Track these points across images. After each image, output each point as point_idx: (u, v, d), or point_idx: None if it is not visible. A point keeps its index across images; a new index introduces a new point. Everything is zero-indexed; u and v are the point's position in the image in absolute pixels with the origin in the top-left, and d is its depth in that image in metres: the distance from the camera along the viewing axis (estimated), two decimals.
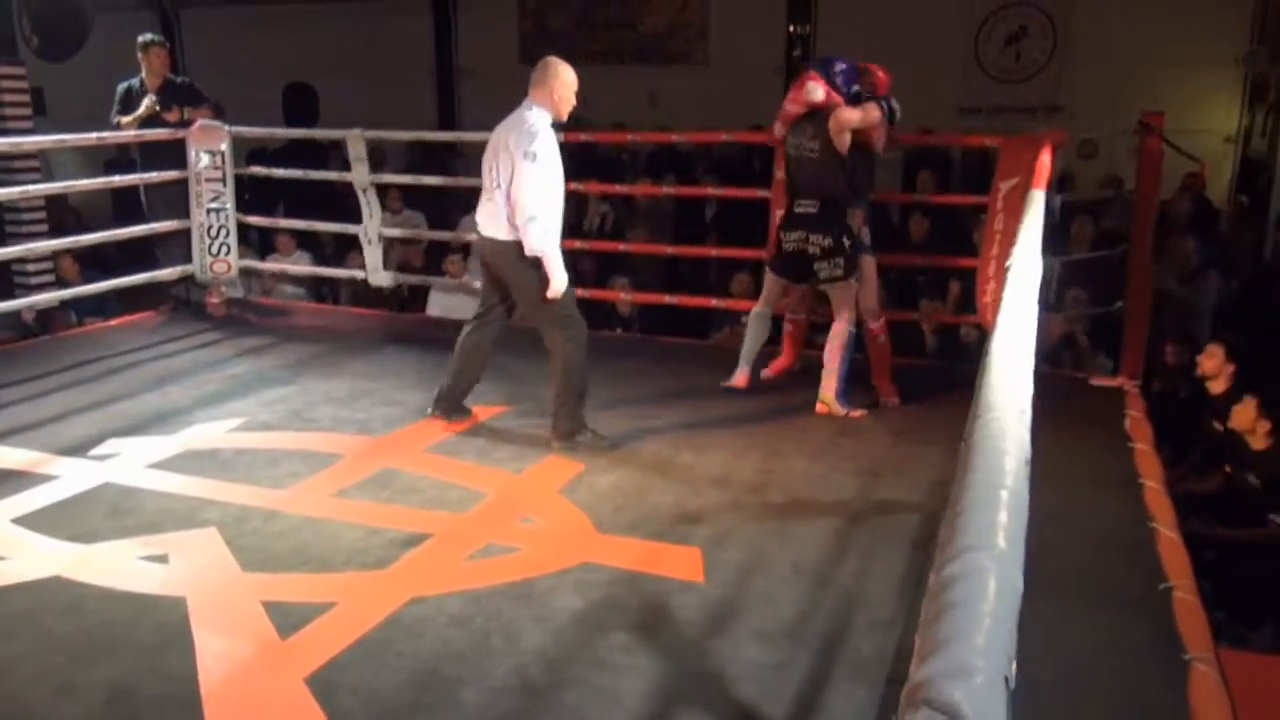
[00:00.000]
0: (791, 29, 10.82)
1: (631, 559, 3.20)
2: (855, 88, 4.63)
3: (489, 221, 4.09)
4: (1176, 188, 7.65)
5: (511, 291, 4.23)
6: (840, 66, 4.62)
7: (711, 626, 2.81)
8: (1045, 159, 3.99)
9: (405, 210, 7.91)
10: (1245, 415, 4.50)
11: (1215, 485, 4.61)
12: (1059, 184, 6.55)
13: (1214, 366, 4.85)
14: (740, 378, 4.93)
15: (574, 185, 7.11)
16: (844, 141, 4.50)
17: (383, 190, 7.64)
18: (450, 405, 4.47)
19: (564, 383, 4.12)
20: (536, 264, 3.98)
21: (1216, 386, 4.88)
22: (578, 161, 8.74)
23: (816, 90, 4.56)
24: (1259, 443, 4.48)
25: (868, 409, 4.69)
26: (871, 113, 4.51)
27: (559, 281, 3.99)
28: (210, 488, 3.70)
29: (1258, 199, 8.78)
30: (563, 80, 4.08)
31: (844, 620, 2.85)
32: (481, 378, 4.52)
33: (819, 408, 4.65)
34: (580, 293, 6.52)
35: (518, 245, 3.98)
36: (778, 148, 5.04)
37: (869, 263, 4.76)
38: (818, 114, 4.57)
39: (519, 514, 3.60)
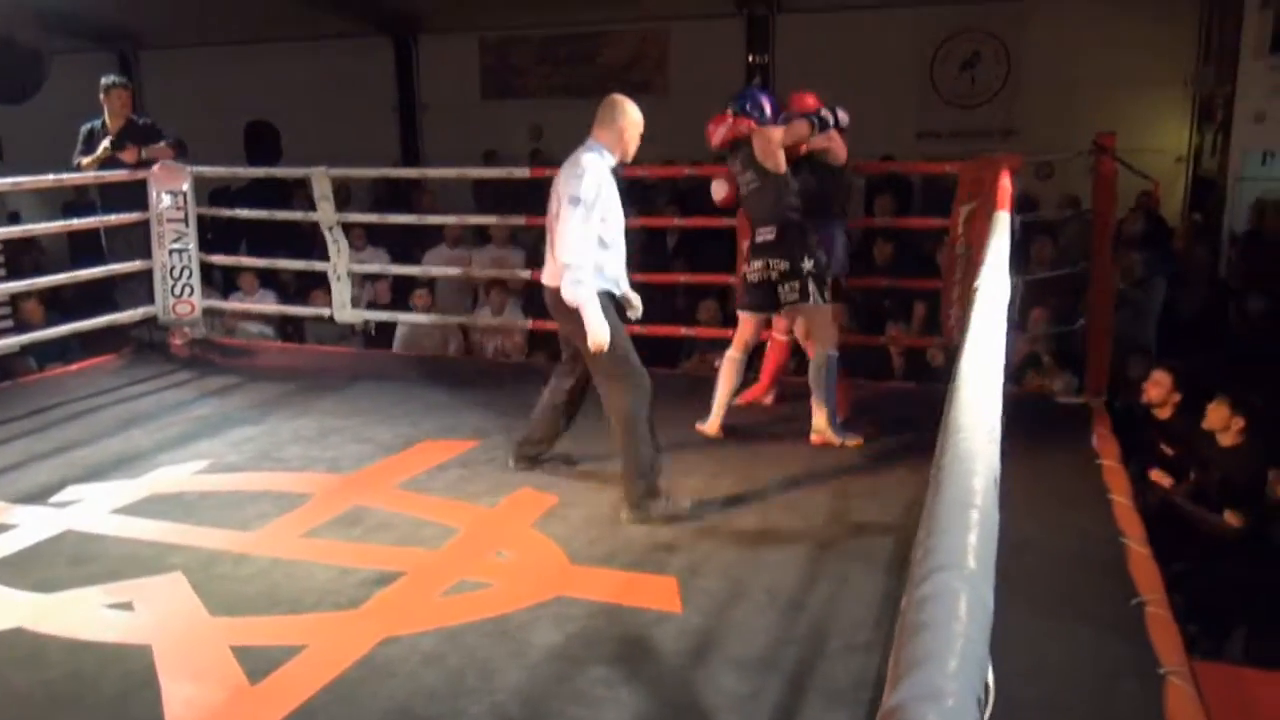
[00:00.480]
0: (750, 58, 10.94)
1: (607, 591, 3.18)
2: (784, 113, 4.68)
3: (546, 268, 3.89)
4: (1131, 206, 7.81)
5: (570, 341, 3.99)
6: (748, 96, 4.73)
7: (690, 657, 2.79)
8: (1005, 182, 4.06)
9: (368, 247, 7.88)
10: (1219, 414, 4.57)
11: (1185, 489, 4.67)
12: (1020, 205, 6.65)
13: (1160, 395, 4.94)
14: (713, 425, 4.73)
15: (537, 219, 7.24)
16: (777, 161, 4.48)
17: (346, 227, 7.63)
18: (521, 459, 4.27)
19: (625, 441, 3.78)
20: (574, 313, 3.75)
21: (1163, 413, 4.96)
22: (542, 196, 8.80)
23: (716, 133, 4.69)
24: (1229, 439, 4.56)
25: (864, 437, 4.61)
26: (797, 128, 4.52)
27: (596, 333, 3.68)
28: (176, 532, 3.64)
29: (1210, 217, 8.97)
30: (630, 120, 3.84)
31: (820, 646, 2.84)
32: (558, 436, 4.28)
33: (814, 439, 4.58)
34: (546, 324, 6.58)
35: (558, 292, 3.76)
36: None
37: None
38: (743, 145, 4.57)
39: (492, 549, 3.57)
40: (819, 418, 4.58)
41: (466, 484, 4.14)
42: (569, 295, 3.69)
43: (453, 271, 7.36)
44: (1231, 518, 4.37)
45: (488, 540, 3.64)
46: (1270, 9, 7.82)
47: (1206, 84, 9.33)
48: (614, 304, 3.88)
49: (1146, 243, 7.12)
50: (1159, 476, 4.70)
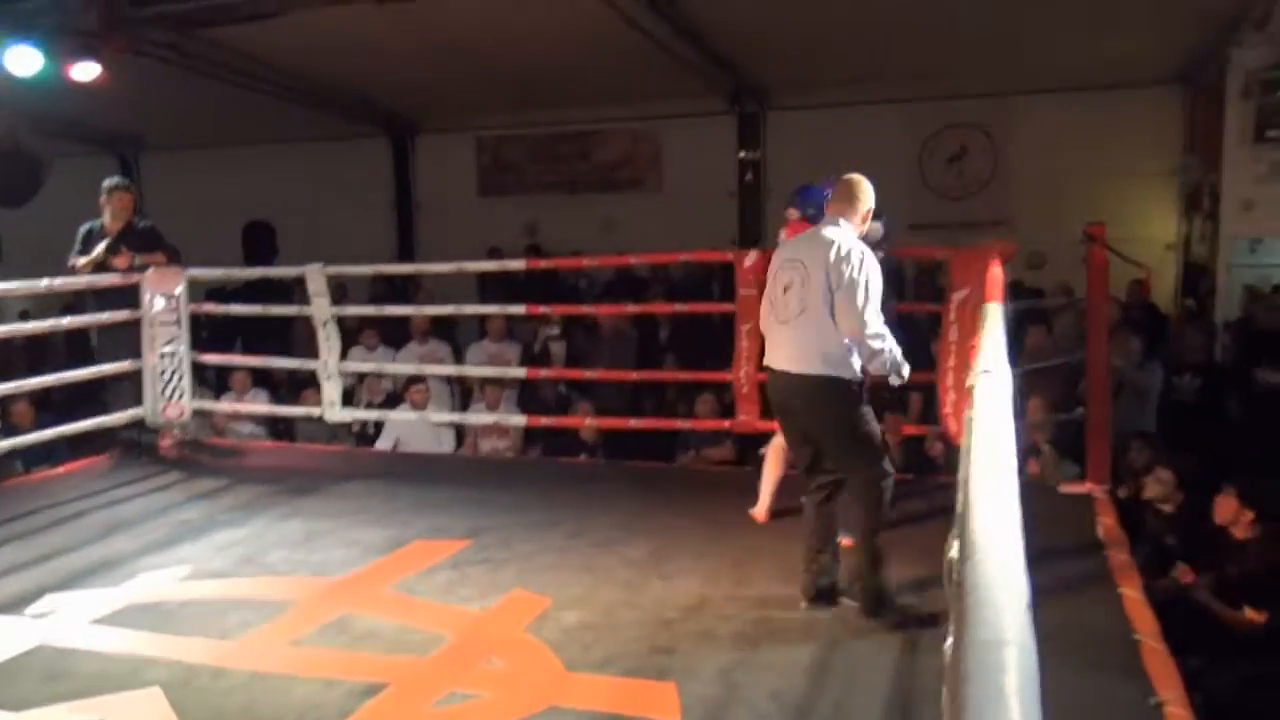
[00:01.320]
0: (742, 154, 11.11)
1: (604, 699, 3.04)
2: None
3: (788, 354, 3.63)
4: (1123, 293, 7.83)
5: (817, 433, 3.69)
6: (811, 196, 4.29)
7: None
8: (996, 270, 4.04)
9: (380, 347, 7.85)
10: (1227, 507, 4.48)
11: (1211, 583, 4.54)
12: (1018, 293, 6.67)
13: (1163, 492, 4.87)
14: (762, 509, 4.66)
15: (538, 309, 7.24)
16: None
17: (356, 328, 7.63)
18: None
19: (868, 540, 3.60)
20: (848, 398, 3.55)
21: (1167, 509, 4.88)
22: (536, 288, 8.83)
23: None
24: (1241, 533, 4.45)
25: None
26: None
27: (904, 367, 3.57)
28: (154, 643, 3.50)
29: (1202, 303, 9.00)
30: (872, 206, 3.71)
31: None
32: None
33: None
34: (543, 420, 6.53)
35: (820, 381, 3.55)
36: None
37: None
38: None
39: (483, 656, 3.44)
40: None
41: (458, 587, 4.02)
42: (881, 362, 3.52)
43: (450, 369, 7.34)
44: (1253, 614, 4.23)
45: (479, 647, 3.50)
46: (1252, 99, 7.97)
47: (1192, 173, 9.45)
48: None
49: (1141, 329, 7.13)
50: (1183, 573, 4.55)
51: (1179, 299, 9.46)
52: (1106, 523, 4.55)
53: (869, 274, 3.49)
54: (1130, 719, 2.89)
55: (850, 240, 3.56)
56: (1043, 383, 5.80)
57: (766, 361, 3.77)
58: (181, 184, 12.39)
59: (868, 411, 3.63)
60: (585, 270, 10.08)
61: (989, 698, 0.92)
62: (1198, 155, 9.42)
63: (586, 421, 6.52)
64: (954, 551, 1.76)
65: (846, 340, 3.53)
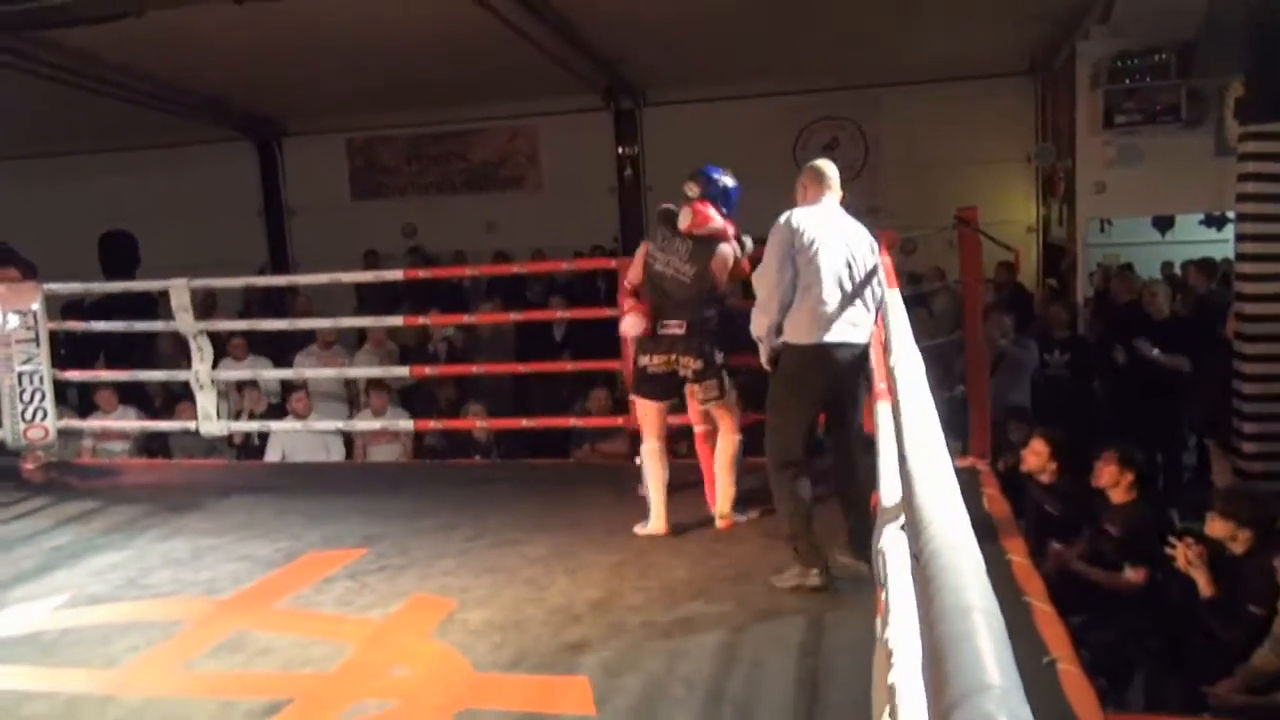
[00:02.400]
0: (620, 150, 11.16)
1: (517, 698, 3.01)
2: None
3: (854, 329, 3.78)
4: (990, 276, 8.18)
5: (847, 401, 3.87)
6: (726, 184, 4.45)
7: None
8: (885, 259, 4.17)
9: (249, 356, 7.53)
10: (1108, 471, 4.70)
11: (1082, 551, 4.78)
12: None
13: (1039, 463, 5.09)
14: (659, 524, 4.47)
15: (421, 319, 7.09)
16: (721, 279, 4.42)
17: (225, 338, 7.31)
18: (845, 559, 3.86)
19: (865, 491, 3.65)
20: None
21: (1044, 479, 5.12)
22: (421, 289, 8.67)
23: (714, 220, 4.38)
24: (1120, 496, 4.69)
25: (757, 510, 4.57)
26: (744, 266, 4.48)
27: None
28: (32, 677, 3.29)
29: (1063, 281, 9.48)
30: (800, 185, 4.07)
31: None
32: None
33: (722, 524, 4.47)
34: (433, 424, 6.41)
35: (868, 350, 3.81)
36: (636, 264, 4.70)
37: None
38: (700, 237, 4.36)
39: (389, 664, 3.36)
40: (726, 502, 4.52)
41: (356, 596, 3.91)
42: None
43: (328, 372, 7.12)
44: (1133, 574, 4.47)
45: (383, 656, 3.42)
46: (1100, 88, 8.42)
47: (1047, 158, 9.96)
48: None
49: (1011, 308, 7.47)
50: (1055, 552, 4.76)
51: (1042, 278, 9.94)
52: (990, 494, 4.73)
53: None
54: (1027, 678, 3.00)
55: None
56: (926, 364, 5.99)
57: (828, 337, 3.75)
58: (33, 195, 11.70)
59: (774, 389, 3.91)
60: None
61: (968, 661, 0.94)
62: (1051, 142, 9.93)
63: (478, 424, 6.44)
64: (884, 538, 1.81)
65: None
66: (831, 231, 3.85)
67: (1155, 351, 6.47)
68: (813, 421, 3.93)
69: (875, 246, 3.94)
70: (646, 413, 4.56)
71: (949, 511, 1.32)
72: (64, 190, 11.77)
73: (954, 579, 1.11)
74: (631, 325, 4.51)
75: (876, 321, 3.84)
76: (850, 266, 3.82)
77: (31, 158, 12.00)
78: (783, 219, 3.85)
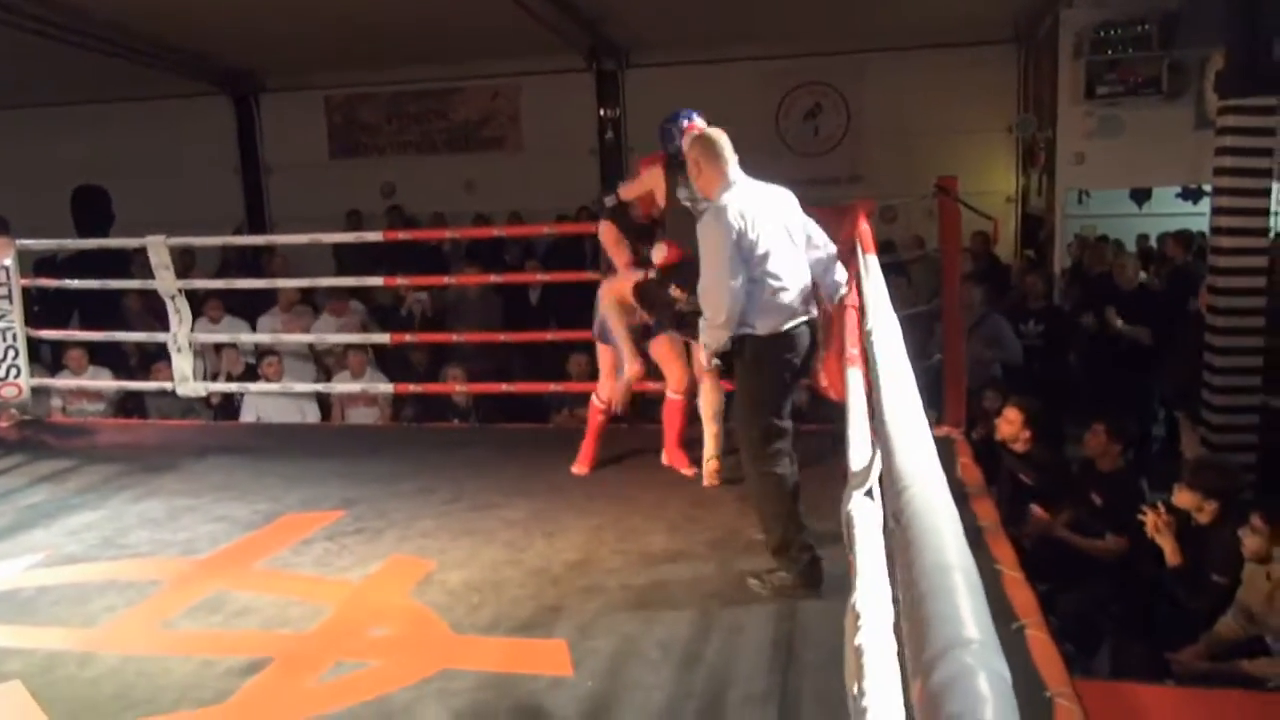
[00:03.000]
0: (602, 112, 11.09)
1: (494, 659, 3.04)
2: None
3: (809, 302, 3.56)
4: (965, 246, 8.21)
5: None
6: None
7: None
8: (864, 226, 4.18)
9: (226, 317, 7.46)
10: (1097, 440, 4.77)
11: (1067, 519, 4.86)
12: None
13: (1012, 431, 5.16)
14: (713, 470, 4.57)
15: (400, 280, 7.04)
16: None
17: (202, 298, 7.24)
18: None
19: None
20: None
21: (1019, 447, 5.19)
22: (399, 250, 8.61)
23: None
24: (1108, 465, 4.77)
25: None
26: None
27: None
28: (10, 634, 3.29)
29: (1040, 252, 9.55)
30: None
31: (717, 698, 2.78)
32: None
33: (712, 466, 4.54)
34: (413, 387, 6.40)
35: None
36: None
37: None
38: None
39: (367, 625, 3.38)
40: (716, 444, 4.55)
41: (334, 558, 3.92)
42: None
43: (308, 338, 7.07)
44: (1115, 542, 4.56)
45: (362, 616, 3.44)
46: (1082, 58, 8.43)
47: (1028, 129, 9.97)
48: None
49: (983, 279, 7.50)
50: (1039, 513, 4.84)
51: (1019, 249, 10.00)
52: (964, 462, 4.79)
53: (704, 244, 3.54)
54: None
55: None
56: (903, 331, 6.03)
57: (797, 320, 3.52)
58: (3, 146, 11.49)
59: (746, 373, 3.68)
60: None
61: (947, 616, 0.97)
62: (1032, 112, 9.94)
63: (457, 388, 6.43)
64: (853, 500, 1.83)
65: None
66: (763, 209, 3.50)
67: (1119, 322, 6.54)
68: (789, 397, 3.64)
69: (796, 201, 3.68)
70: (678, 355, 4.56)
71: (928, 474, 1.35)
72: (33, 143, 11.56)
73: (935, 539, 1.14)
74: (660, 253, 4.35)
75: (848, 284, 3.68)
76: (791, 239, 3.58)
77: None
78: (715, 217, 3.44)
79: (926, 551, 1.11)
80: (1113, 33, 8.28)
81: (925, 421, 1.66)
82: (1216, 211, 6.02)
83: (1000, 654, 0.92)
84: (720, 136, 3.62)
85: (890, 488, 1.41)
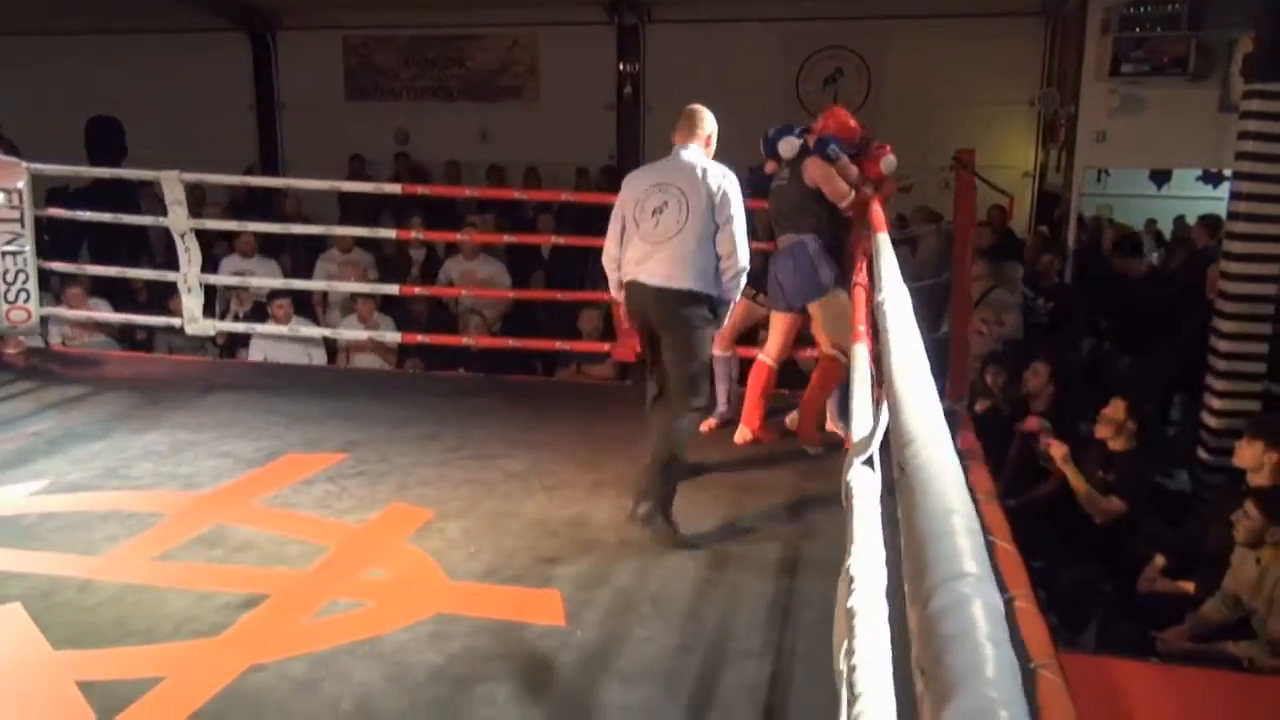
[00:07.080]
0: (621, 67, 10.98)
1: (489, 606, 3.08)
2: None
3: (662, 270, 3.62)
4: (982, 220, 8.16)
5: (664, 346, 3.70)
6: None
7: (577, 671, 2.72)
8: (876, 206, 4.19)
9: (256, 255, 7.47)
10: (1115, 415, 4.77)
11: (1050, 490, 4.89)
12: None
13: (1039, 385, 5.16)
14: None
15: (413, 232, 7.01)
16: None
17: (214, 237, 7.22)
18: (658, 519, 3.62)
19: (669, 454, 3.60)
20: (700, 320, 3.65)
21: (1038, 405, 5.19)
22: (409, 200, 8.57)
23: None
24: (1120, 444, 4.78)
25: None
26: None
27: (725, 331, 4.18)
28: (12, 558, 3.34)
29: (1054, 229, 9.49)
30: (714, 132, 3.86)
31: (711, 654, 2.82)
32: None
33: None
34: (420, 337, 6.40)
35: (689, 295, 3.62)
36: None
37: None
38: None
39: (364, 567, 3.42)
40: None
41: (335, 499, 3.96)
42: (737, 285, 3.75)
43: (319, 285, 7.08)
44: (1115, 501, 4.61)
45: (360, 558, 3.48)
46: (1109, 35, 8.32)
47: (1050, 104, 9.86)
48: None
49: (998, 254, 7.47)
50: (1033, 424, 4.89)
51: (1033, 225, 9.94)
52: (965, 435, 4.80)
53: (741, 205, 3.70)
54: None
55: (718, 167, 3.73)
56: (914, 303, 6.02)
57: (630, 277, 3.70)
58: (15, 74, 11.42)
59: (710, 337, 3.79)
60: (460, 180, 9.85)
61: (946, 554, 1.02)
62: (1055, 87, 9.82)
63: (466, 341, 6.40)
64: (852, 470, 1.85)
65: (717, 263, 3.67)
66: (658, 178, 3.75)
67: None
68: (657, 365, 3.82)
69: (727, 188, 3.69)
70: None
71: (934, 429, 1.40)
72: (47, 71, 11.48)
73: (938, 485, 1.19)
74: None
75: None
76: (669, 215, 3.66)
77: (15, 34, 11.67)
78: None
79: (930, 496, 1.16)
80: (1142, 10, 8.16)
81: (932, 382, 1.67)
82: (1235, 196, 5.95)
83: (995, 588, 0.97)
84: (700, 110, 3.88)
85: (896, 441, 1.45)
